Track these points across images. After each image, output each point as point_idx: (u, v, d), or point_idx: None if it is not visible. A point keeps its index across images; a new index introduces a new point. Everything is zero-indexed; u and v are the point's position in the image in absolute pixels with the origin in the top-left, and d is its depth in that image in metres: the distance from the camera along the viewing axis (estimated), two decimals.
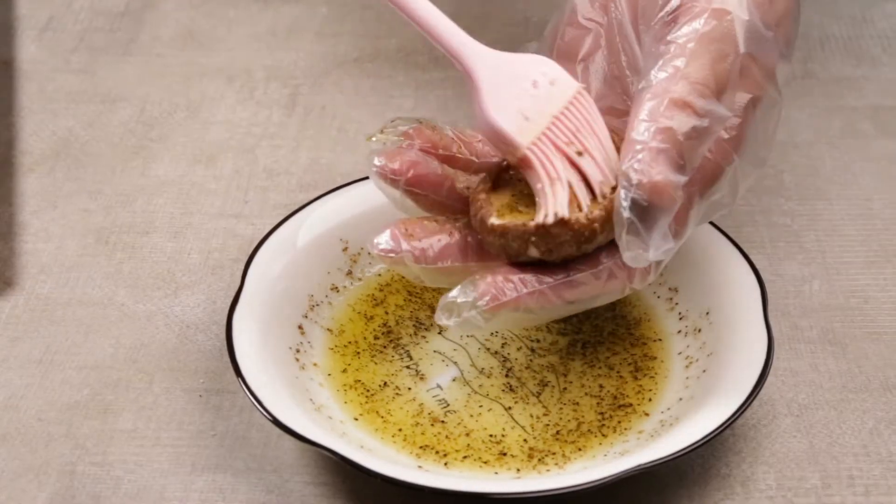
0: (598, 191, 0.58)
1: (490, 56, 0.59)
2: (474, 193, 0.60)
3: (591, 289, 0.58)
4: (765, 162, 0.62)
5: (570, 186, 0.57)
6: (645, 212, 0.55)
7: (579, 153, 0.58)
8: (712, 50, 0.57)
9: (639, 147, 0.55)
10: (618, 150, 0.58)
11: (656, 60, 0.58)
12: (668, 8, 0.59)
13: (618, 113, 0.62)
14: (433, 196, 0.60)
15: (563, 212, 0.57)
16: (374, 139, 0.61)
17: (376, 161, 0.60)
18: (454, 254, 0.59)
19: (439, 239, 0.59)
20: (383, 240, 0.58)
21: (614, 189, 0.57)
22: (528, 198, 0.59)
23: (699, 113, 0.57)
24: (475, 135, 0.62)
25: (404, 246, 0.58)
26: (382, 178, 0.60)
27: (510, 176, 0.61)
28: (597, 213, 0.57)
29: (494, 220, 0.58)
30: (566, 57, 0.63)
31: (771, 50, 0.60)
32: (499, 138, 0.58)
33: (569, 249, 0.57)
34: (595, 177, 0.58)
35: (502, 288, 0.57)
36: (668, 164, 0.56)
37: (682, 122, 0.56)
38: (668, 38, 0.58)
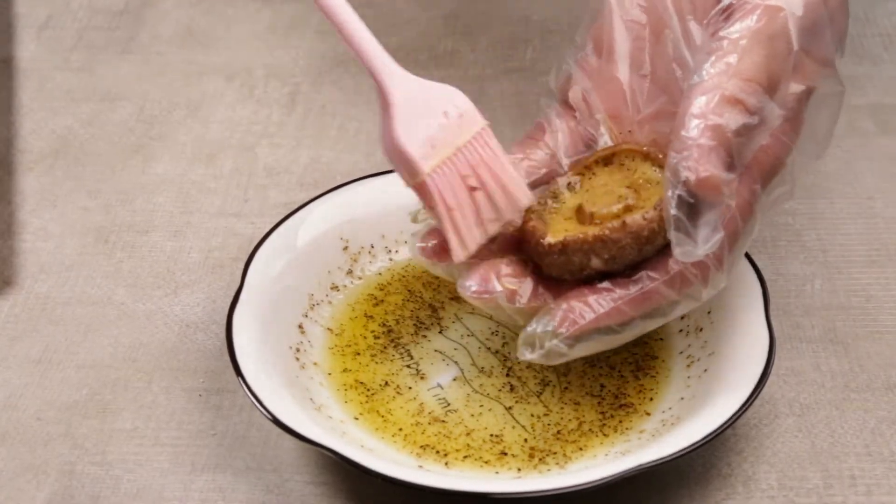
0: (487, 228, 0.59)
1: (407, 80, 0.60)
2: (524, 224, 0.60)
3: (666, 297, 0.58)
4: (822, 154, 0.62)
5: (462, 217, 0.59)
6: (692, 208, 0.55)
7: (474, 188, 0.59)
8: (765, 46, 0.57)
9: (688, 143, 0.55)
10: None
11: (708, 56, 0.57)
12: (721, 5, 0.58)
13: (666, 115, 0.61)
14: (484, 253, 0.60)
15: (471, 247, 0.58)
16: (419, 216, 0.62)
17: (418, 244, 0.60)
18: (546, 293, 0.59)
19: (526, 278, 0.59)
20: (475, 282, 0.59)
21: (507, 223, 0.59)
22: (570, 211, 0.60)
23: (750, 110, 0.56)
24: (516, 156, 0.62)
25: (497, 287, 0.59)
26: (428, 259, 0.60)
27: (554, 194, 0.61)
28: (653, 212, 0.57)
29: (551, 240, 0.58)
30: (607, 57, 0.63)
31: (826, 44, 0.59)
32: (403, 161, 0.59)
33: (630, 254, 0.57)
34: (486, 213, 0.59)
35: (580, 312, 0.57)
36: (716, 162, 0.55)
37: (733, 119, 0.56)
38: (721, 34, 0.58)
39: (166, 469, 0.62)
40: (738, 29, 0.57)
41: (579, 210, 0.60)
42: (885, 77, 0.85)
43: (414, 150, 0.59)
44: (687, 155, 0.55)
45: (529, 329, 0.58)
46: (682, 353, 0.64)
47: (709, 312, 0.64)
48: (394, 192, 0.70)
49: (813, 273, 0.71)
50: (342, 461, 0.57)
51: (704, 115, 0.56)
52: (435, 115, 0.59)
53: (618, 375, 0.64)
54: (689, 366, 0.63)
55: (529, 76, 0.86)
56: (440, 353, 0.65)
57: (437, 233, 0.60)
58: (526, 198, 0.60)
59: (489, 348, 0.65)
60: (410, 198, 0.70)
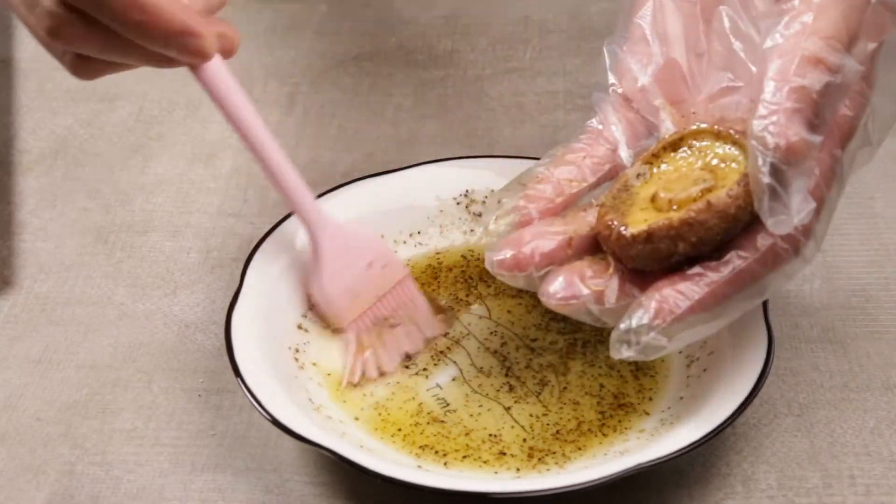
0: (404, 351, 0.65)
1: (335, 229, 0.65)
2: (599, 220, 0.58)
3: (760, 274, 0.56)
4: None
5: (369, 352, 0.64)
6: (783, 175, 0.53)
7: (392, 325, 0.65)
8: (841, 2, 0.55)
9: (773, 108, 0.54)
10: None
11: (780, 18, 0.55)
12: None
13: (729, 92, 0.60)
14: (564, 262, 0.58)
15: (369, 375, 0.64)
16: (491, 227, 0.60)
17: (496, 259, 0.58)
18: (634, 289, 0.57)
19: (611, 277, 0.57)
20: (559, 287, 0.57)
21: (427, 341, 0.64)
22: (645, 201, 0.59)
23: (832, 69, 0.54)
24: (577, 154, 0.61)
25: (583, 290, 0.57)
26: (510, 273, 0.58)
27: (625, 186, 0.60)
28: (738, 188, 0.56)
29: (633, 230, 0.56)
30: (661, 40, 0.61)
31: None
32: (329, 309, 0.65)
33: (718, 234, 0.56)
34: (403, 345, 0.65)
35: (674, 301, 0.55)
36: (803, 125, 0.54)
37: (816, 80, 0.54)
38: None
39: (166, 469, 0.62)
40: None
41: (655, 198, 0.58)
42: None
43: (339, 301, 0.65)
44: (775, 120, 0.53)
45: (623, 325, 0.55)
46: (681, 352, 0.64)
47: None
48: (394, 192, 0.70)
49: (812, 273, 0.71)
50: (341, 461, 0.57)
51: (786, 77, 0.54)
52: (360, 265, 0.65)
53: (617, 375, 0.64)
54: (688, 366, 0.63)
55: (529, 76, 0.86)
56: (439, 352, 0.65)
57: (512, 243, 0.58)
58: (433, 331, 0.66)
59: (488, 348, 0.65)
60: (410, 198, 0.70)
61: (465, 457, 0.60)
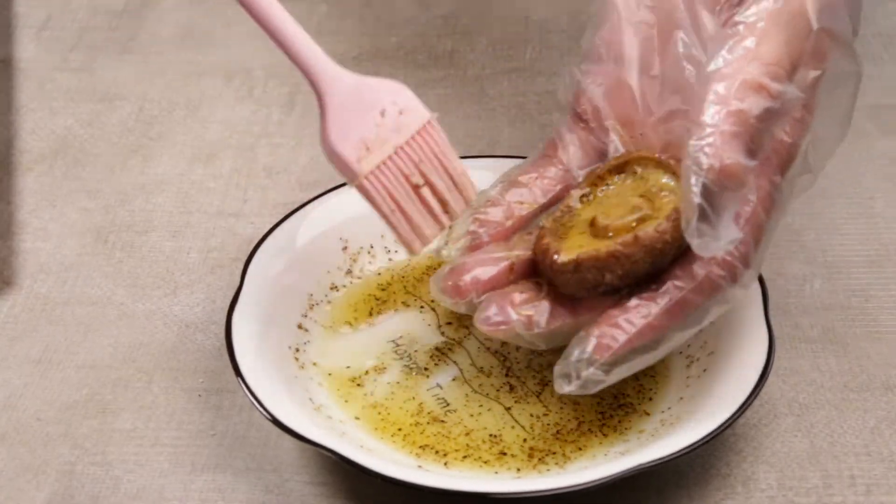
0: (441, 220, 0.59)
1: (343, 79, 0.59)
2: (536, 243, 0.59)
3: (697, 304, 0.57)
4: (843, 136, 0.60)
5: (410, 215, 0.59)
6: (714, 197, 0.54)
7: (417, 186, 0.59)
8: (785, 28, 0.56)
9: (709, 131, 0.54)
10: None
11: (724, 42, 0.56)
12: None
13: (678, 115, 0.60)
14: (504, 287, 0.60)
15: (429, 239, 0.59)
16: (443, 254, 0.61)
17: (439, 286, 0.60)
18: (563, 313, 0.58)
19: (542, 301, 0.58)
20: (491, 312, 0.58)
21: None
22: (585, 224, 0.59)
23: (773, 95, 0.55)
24: (530, 175, 0.62)
25: (513, 316, 0.58)
26: (451, 300, 0.59)
27: (568, 208, 0.61)
28: (665, 223, 0.56)
29: (564, 258, 0.57)
30: (615, 62, 0.62)
31: (842, 21, 0.58)
32: (338, 164, 0.59)
33: (644, 267, 0.57)
34: (435, 208, 0.59)
35: (612, 335, 0.56)
36: (739, 149, 0.54)
37: (755, 105, 0.55)
38: (736, 18, 0.56)
39: (166, 469, 0.62)
40: (755, 12, 0.56)
41: (593, 223, 0.59)
42: (886, 77, 0.85)
43: (347, 153, 0.58)
44: (711, 141, 0.54)
45: (563, 360, 0.56)
46: (681, 353, 0.64)
47: None
48: None
49: (812, 273, 0.71)
50: (342, 461, 0.57)
51: (726, 100, 0.55)
52: (371, 114, 0.59)
53: None
54: (688, 366, 0.63)
55: (529, 76, 0.86)
56: (439, 352, 0.65)
57: (456, 271, 0.59)
58: (472, 189, 0.60)
59: (488, 348, 0.65)
60: None
61: (465, 457, 0.60)
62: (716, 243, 0.54)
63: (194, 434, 0.64)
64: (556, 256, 0.58)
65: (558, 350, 0.65)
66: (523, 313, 0.58)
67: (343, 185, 0.70)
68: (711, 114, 0.55)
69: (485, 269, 0.59)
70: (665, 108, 0.61)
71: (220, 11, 0.92)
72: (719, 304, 0.57)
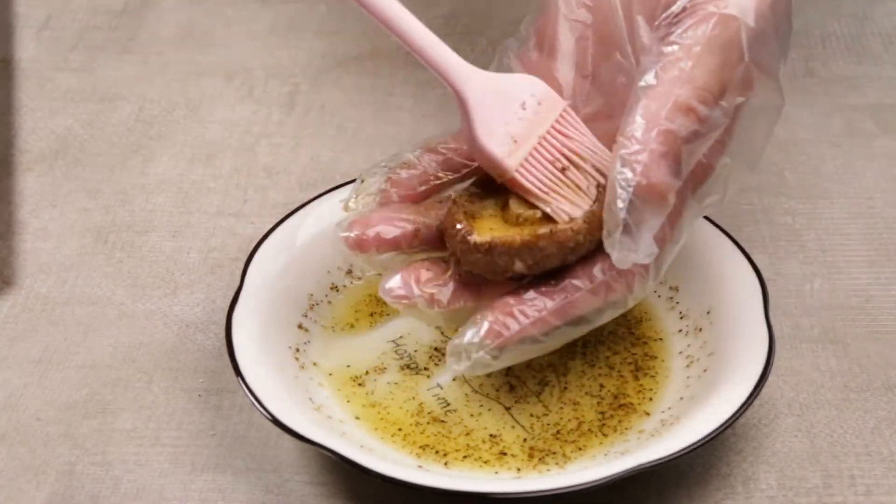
0: (590, 195, 0.59)
1: (480, 78, 0.60)
2: (447, 216, 0.59)
3: (591, 304, 0.58)
4: (756, 166, 0.61)
5: (563, 196, 0.59)
6: (639, 213, 0.55)
7: (564, 168, 0.59)
8: (718, 55, 0.57)
9: (638, 147, 0.55)
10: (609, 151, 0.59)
11: (658, 60, 0.57)
12: (673, 8, 0.58)
13: (602, 117, 0.61)
14: (407, 251, 0.60)
15: (577, 213, 0.58)
16: (350, 205, 0.61)
17: (341, 235, 0.60)
18: (466, 294, 0.59)
19: (447, 281, 0.59)
20: (395, 284, 0.58)
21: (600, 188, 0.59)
22: (496, 207, 0.60)
23: (700, 118, 0.56)
24: (449, 146, 0.62)
25: (416, 291, 0.58)
26: (351, 252, 0.60)
27: (481, 192, 0.61)
28: (580, 223, 0.57)
29: (478, 239, 0.58)
30: (548, 55, 0.62)
31: (771, 54, 0.60)
32: (488, 161, 0.59)
33: (554, 261, 0.57)
34: (582, 184, 0.59)
35: (504, 322, 0.57)
36: (665, 168, 0.55)
37: (683, 126, 0.56)
38: (672, 38, 0.57)
39: (166, 469, 0.62)
40: (692, 35, 0.57)
41: (506, 208, 0.59)
42: (885, 77, 0.85)
43: (496, 150, 0.59)
44: (641, 158, 0.55)
45: (456, 340, 0.57)
46: (681, 353, 0.64)
47: (708, 312, 0.64)
48: None
49: (812, 273, 0.71)
50: (342, 461, 0.57)
51: (657, 120, 0.56)
52: (512, 108, 0.60)
53: (617, 375, 0.64)
54: (688, 366, 0.63)
55: None
56: (440, 352, 0.65)
57: (360, 223, 0.60)
58: (607, 164, 0.60)
59: None
60: None
61: (465, 457, 0.60)
62: (634, 255, 0.55)
63: (194, 434, 0.64)
64: (469, 236, 0.58)
65: (559, 350, 0.65)
66: (427, 291, 0.58)
67: (343, 185, 0.70)
68: (642, 130, 0.56)
69: (389, 227, 0.60)
70: (590, 108, 0.61)
71: (220, 11, 0.92)
72: (612, 308, 0.58)
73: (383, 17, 0.59)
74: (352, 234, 0.60)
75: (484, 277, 0.58)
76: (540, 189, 0.59)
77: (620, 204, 0.55)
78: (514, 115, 0.60)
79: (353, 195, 0.61)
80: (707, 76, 0.57)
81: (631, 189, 0.55)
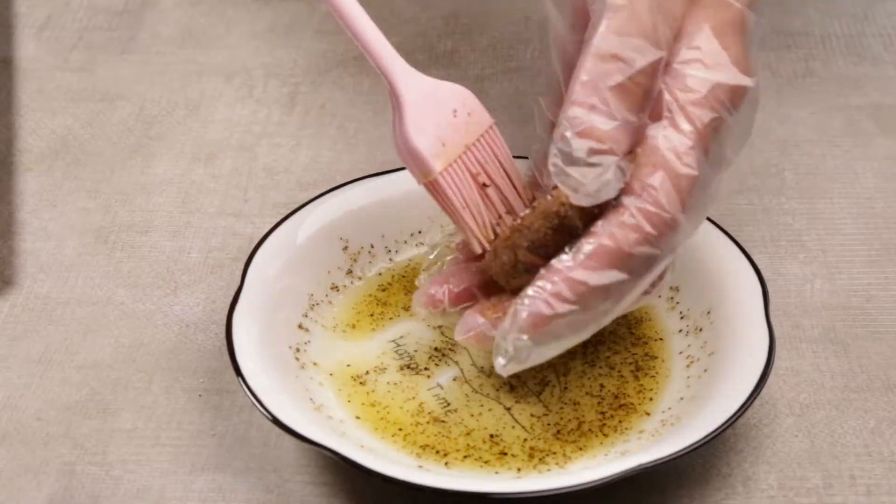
0: (503, 219, 0.60)
1: (417, 79, 0.62)
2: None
3: (616, 255, 0.56)
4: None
5: (477, 213, 0.60)
6: (573, 159, 0.56)
7: (485, 185, 0.60)
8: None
9: (570, 103, 0.57)
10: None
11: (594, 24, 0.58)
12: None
13: None
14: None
15: (489, 238, 0.60)
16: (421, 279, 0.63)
17: (414, 299, 0.62)
18: None
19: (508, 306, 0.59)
20: (461, 330, 0.60)
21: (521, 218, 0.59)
22: None
23: (626, 60, 0.57)
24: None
25: (479, 320, 0.59)
26: (425, 311, 0.61)
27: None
28: (558, 191, 0.57)
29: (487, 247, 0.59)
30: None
31: None
32: (415, 159, 0.60)
33: (545, 235, 0.57)
34: (499, 207, 0.61)
35: (534, 298, 0.56)
36: (597, 116, 0.56)
37: (609, 75, 0.57)
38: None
39: (166, 469, 0.62)
40: None
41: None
42: (885, 77, 0.85)
43: (425, 149, 0.60)
44: (569, 115, 0.56)
45: (496, 339, 0.58)
46: (681, 353, 0.64)
47: (708, 312, 0.64)
48: (394, 192, 0.70)
49: (813, 273, 0.71)
50: (342, 461, 0.57)
51: (579, 76, 0.57)
52: (445, 113, 0.61)
53: (617, 375, 0.64)
54: (688, 366, 0.63)
55: (529, 76, 0.86)
56: (440, 352, 0.65)
57: (432, 282, 0.61)
58: (529, 192, 0.61)
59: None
60: (410, 198, 0.70)
61: (465, 457, 0.60)
62: (583, 187, 0.56)
63: (194, 434, 0.64)
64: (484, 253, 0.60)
65: None
66: (491, 316, 0.59)
67: (343, 185, 0.70)
68: (574, 90, 0.57)
69: (456, 282, 0.61)
70: None
71: (220, 11, 0.92)
72: (650, 249, 0.57)
73: (337, 8, 0.61)
74: (422, 295, 0.61)
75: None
76: (458, 199, 0.60)
77: (555, 152, 0.56)
78: (445, 119, 0.61)
79: (424, 269, 0.63)
80: (633, 23, 0.57)
81: (560, 140, 0.56)
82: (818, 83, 0.85)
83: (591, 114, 0.56)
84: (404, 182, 0.70)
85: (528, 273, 0.58)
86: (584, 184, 0.56)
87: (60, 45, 0.89)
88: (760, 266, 0.66)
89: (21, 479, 0.62)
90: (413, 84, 0.61)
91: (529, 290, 0.57)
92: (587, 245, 0.56)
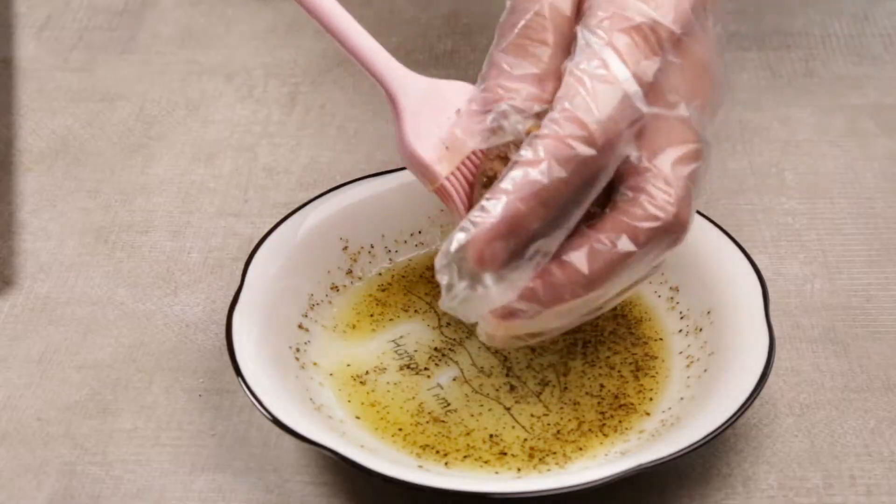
0: None
1: (414, 82, 0.60)
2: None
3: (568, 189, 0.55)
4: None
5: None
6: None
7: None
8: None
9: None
10: None
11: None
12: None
13: None
14: None
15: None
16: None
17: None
18: None
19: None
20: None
21: None
22: None
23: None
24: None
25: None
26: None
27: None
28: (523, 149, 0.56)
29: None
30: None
31: None
32: (419, 167, 0.59)
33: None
34: None
35: (480, 214, 0.55)
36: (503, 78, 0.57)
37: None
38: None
39: (166, 469, 0.62)
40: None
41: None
42: (886, 77, 0.85)
43: (427, 156, 0.58)
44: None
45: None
46: (681, 353, 0.64)
47: (708, 312, 0.64)
48: (394, 192, 0.70)
49: (813, 273, 0.71)
50: (342, 461, 0.57)
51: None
52: (446, 114, 0.59)
53: (617, 375, 0.64)
54: (688, 366, 0.63)
55: None
56: (440, 352, 0.65)
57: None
58: None
59: (489, 348, 0.65)
60: (410, 198, 0.70)
61: (465, 457, 0.60)
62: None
63: (194, 434, 0.64)
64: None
65: (560, 351, 0.65)
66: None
67: (343, 185, 0.70)
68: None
69: None
70: None
71: (220, 11, 0.92)
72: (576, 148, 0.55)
73: (321, 17, 0.59)
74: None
75: None
76: (463, 203, 0.58)
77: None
78: (447, 121, 0.59)
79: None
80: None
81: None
82: (818, 83, 0.84)
83: (495, 78, 0.56)
84: (404, 182, 0.70)
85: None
86: (479, 127, 0.56)
87: (60, 45, 0.89)
88: (760, 266, 0.66)
89: (21, 479, 0.62)
90: (409, 87, 0.60)
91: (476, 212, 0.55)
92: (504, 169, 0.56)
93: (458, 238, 0.55)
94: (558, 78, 0.57)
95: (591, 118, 0.55)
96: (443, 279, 0.56)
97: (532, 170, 0.55)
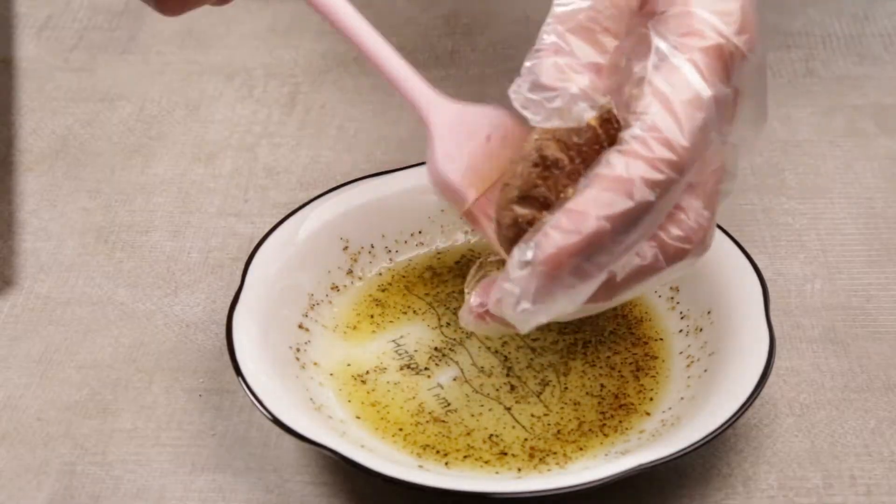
0: None
1: (447, 107, 0.60)
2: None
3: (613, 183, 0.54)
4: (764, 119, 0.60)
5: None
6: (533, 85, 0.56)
7: None
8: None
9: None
10: None
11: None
12: None
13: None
14: None
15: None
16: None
17: (473, 304, 0.59)
18: None
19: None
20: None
21: None
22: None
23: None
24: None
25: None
26: (476, 321, 0.59)
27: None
28: (542, 137, 0.55)
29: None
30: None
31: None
32: (448, 192, 0.59)
33: (534, 178, 0.55)
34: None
35: (546, 232, 0.54)
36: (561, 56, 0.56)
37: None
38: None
39: (166, 469, 0.62)
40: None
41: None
42: (886, 77, 0.85)
43: (457, 181, 0.59)
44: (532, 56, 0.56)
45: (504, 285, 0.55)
46: (682, 353, 0.64)
47: (709, 312, 0.65)
48: (394, 192, 0.70)
49: (813, 273, 0.71)
50: (342, 461, 0.57)
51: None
52: (477, 140, 0.59)
53: (618, 375, 0.64)
54: (689, 366, 0.63)
55: None
56: (440, 352, 0.65)
57: (479, 295, 0.59)
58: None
59: (489, 348, 0.65)
60: (410, 198, 0.70)
61: (466, 457, 0.60)
62: (544, 104, 0.55)
63: (195, 434, 0.64)
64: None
65: (560, 351, 0.65)
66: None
67: (343, 185, 0.70)
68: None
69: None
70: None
71: (220, 11, 0.92)
72: (653, 173, 0.54)
73: (359, 43, 0.61)
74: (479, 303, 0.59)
75: None
76: (493, 229, 0.57)
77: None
78: (478, 147, 0.59)
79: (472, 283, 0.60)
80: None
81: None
82: (818, 83, 0.85)
83: (555, 56, 0.55)
84: (405, 182, 0.70)
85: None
86: (545, 105, 0.55)
87: (60, 45, 0.89)
88: (760, 266, 0.66)
89: (21, 479, 0.62)
90: (442, 113, 0.60)
91: (546, 228, 0.54)
92: (585, 180, 0.54)
93: (539, 244, 0.54)
94: (616, 71, 0.57)
95: (679, 143, 0.54)
96: (514, 289, 0.54)
97: (621, 188, 0.54)
